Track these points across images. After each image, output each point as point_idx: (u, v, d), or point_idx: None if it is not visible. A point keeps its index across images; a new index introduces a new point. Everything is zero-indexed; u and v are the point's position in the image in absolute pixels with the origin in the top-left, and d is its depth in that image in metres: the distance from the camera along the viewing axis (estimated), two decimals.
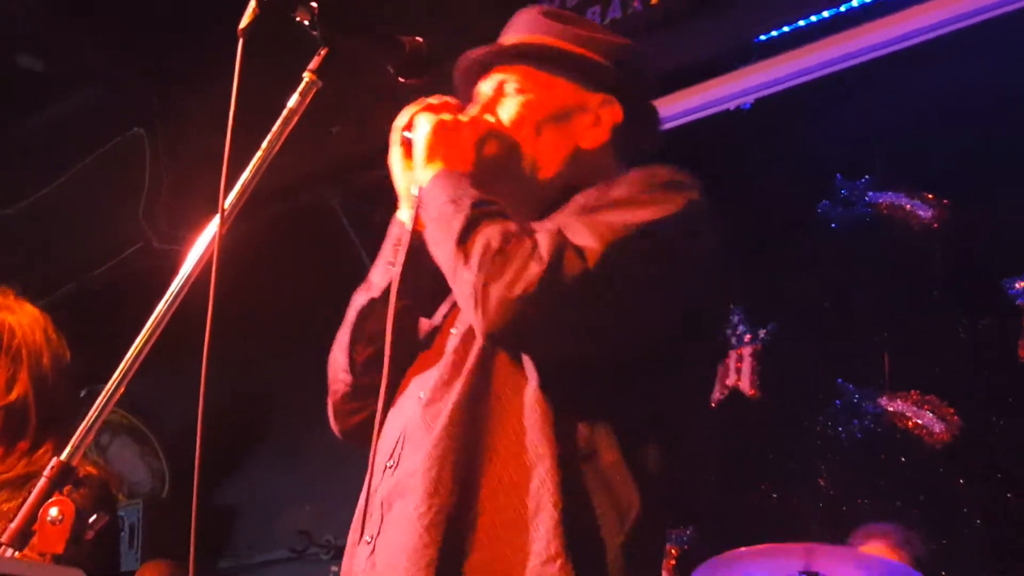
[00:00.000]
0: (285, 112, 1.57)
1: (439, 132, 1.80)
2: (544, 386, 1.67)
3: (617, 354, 1.69)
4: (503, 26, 2.02)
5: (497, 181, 1.83)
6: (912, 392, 3.83)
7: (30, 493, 2.51)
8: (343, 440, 1.96)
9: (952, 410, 3.77)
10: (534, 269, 1.60)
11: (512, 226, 1.66)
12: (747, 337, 4.26)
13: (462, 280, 1.65)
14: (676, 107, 3.94)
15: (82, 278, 4.96)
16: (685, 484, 1.76)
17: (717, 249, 1.78)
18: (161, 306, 1.50)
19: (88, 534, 1.33)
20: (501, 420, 1.68)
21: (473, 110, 1.89)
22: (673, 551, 4.17)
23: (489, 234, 1.65)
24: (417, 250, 1.82)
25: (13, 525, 1.31)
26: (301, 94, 1.59)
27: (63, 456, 1.36)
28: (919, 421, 3.80)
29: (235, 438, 5.41)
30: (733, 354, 4.29)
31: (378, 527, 1.71)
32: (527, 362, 1.69)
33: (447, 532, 1.62)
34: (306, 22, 1.60)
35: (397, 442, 1.75)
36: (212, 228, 1.52)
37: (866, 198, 4.11)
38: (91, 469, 2.57)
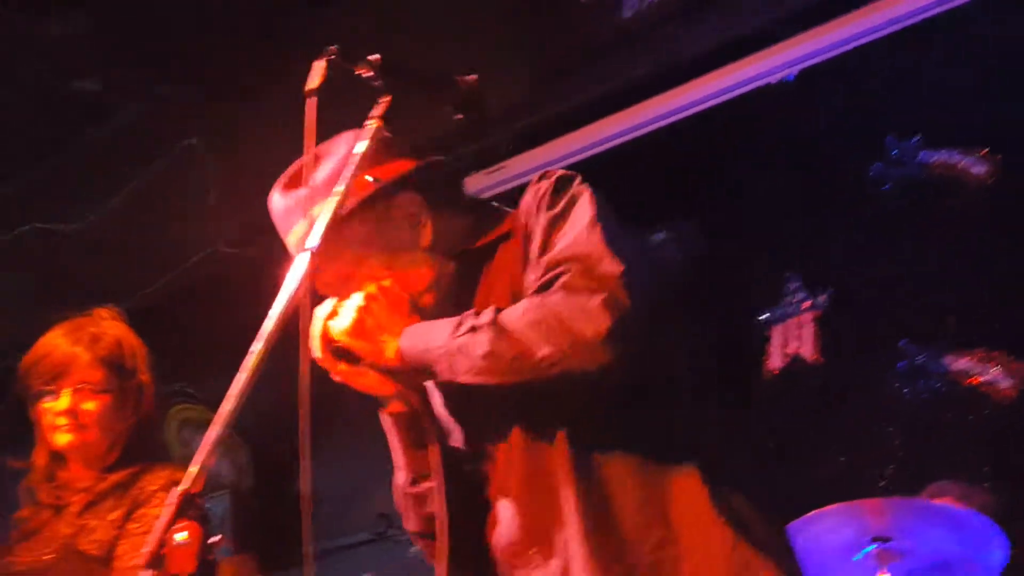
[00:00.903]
0: (357, 158, 1.67)
1: (361, 323, 1.89)
2: (633, 438, 1.80)
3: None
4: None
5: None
6: (977, 350, 3.86)
7: (133, 502, 2.67)
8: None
9: (1018, 365, 3.79)
10: (597, 303, 1.71)
11: (524, 303, 1.79)
12: (806, 303, 4.31)
13: (542, 366, 1.73)
14: (721, 84, 3.99)
15: (153, 287, 5.09)
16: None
17: None
18: (257, 345, 1.59)
19: (211, 554, 1.45)
20: (622, 496, 1.78)
21: (356, 295, 1.94)
22: None
23: (519, 320, 1.75)
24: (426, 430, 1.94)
25: (148, 549, 1.43)
26: (371, 140, 1.69)
27: (185, 486, 1.47)
28: (985, 378, 3.83)
29: (313, 425, 5.52)
30: (793, 321, 4.33)
31: None
32: (605, 424, 1.80)
33: None
34: (368, 75, 1.71)
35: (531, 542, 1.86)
36: (301, 265, 1.61)
37: (918, 157, 4.14)
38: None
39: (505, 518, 1.89)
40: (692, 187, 4.53)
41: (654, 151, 4.51)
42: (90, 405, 2.75)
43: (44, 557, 2.67)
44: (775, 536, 1.80)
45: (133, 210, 5.15)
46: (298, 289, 1.63)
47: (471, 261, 1.97)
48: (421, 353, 1.83)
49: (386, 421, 2.04)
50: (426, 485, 2.00)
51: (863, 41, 3.96)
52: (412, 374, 1.88)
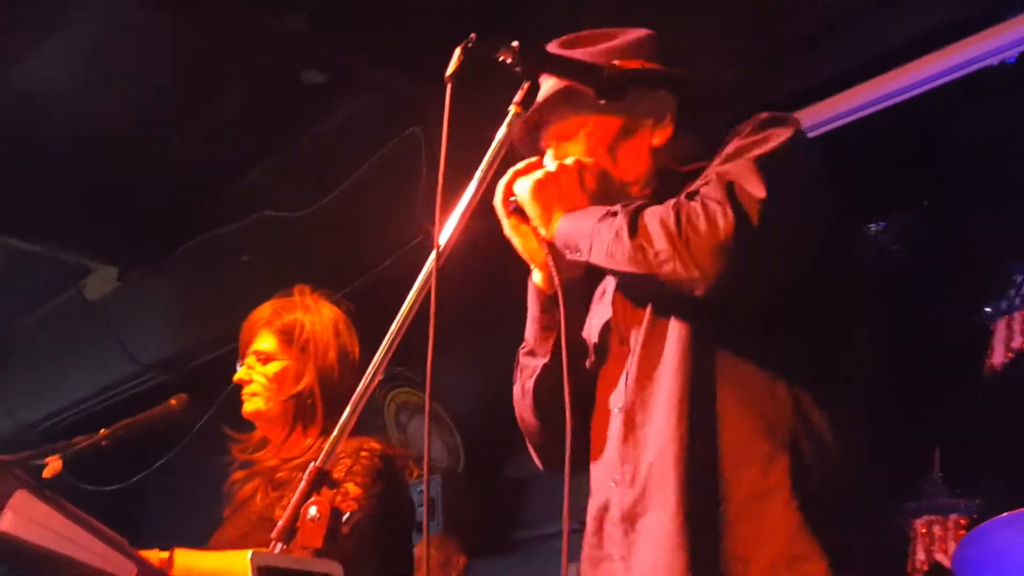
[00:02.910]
0: (495, 144, 1.69)
1: (542, 188, 1.92)
2: (741, 357, 1.77)
3: (800, 282, 1.77)
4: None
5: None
6: None
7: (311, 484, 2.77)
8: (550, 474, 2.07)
9: None
10: (725, 213, 1.67)
11: (667, 202, 1.76)
12: None
13: (655, 261, 1.72)
14: (938, 66, 3.82)
15: (370, 273, 5.26)
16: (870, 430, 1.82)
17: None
18: (391, 334, 1.63)
19: (344, 529, 1.49)
20: (713, 412, 1.77)
21: (552, 161, 1.98)
22: (962, 521, 4.06)
23: (654, 213, 1.74)
24: (566, 304, 1.93)
25: (280, 524, 1.49)
26: (508, 125, 1.70)
27: (318, 462, 1.53)
28: None
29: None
30: (1018, 315, 4.13)
31: (625, 545, 1.82)
32: (718, 337, 1.78)
33: (695, 537, 1.74)
34: (508, 60, 1.73)
35: (621, 460, 1.86)
36: (429, 263, 1.66)
37: None
38: (375, 444, 2.78)
39: (611, 429, 1.89)
40: (914, 176, 4.37)
41: (872, 139, 4.36)
42: (262, 372, 2.90)
43: (244, 531, 2.80)
44: (860, 533, 1.73)
45: (354, 198, 5.33)
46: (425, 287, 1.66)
47: (675, 181, 1.96)
48: (571, 229, 1.87)
49: (531, 290, 2.07)
50: (533, 362, 2.05)
51: None
52: (562, 255, 1.91)
